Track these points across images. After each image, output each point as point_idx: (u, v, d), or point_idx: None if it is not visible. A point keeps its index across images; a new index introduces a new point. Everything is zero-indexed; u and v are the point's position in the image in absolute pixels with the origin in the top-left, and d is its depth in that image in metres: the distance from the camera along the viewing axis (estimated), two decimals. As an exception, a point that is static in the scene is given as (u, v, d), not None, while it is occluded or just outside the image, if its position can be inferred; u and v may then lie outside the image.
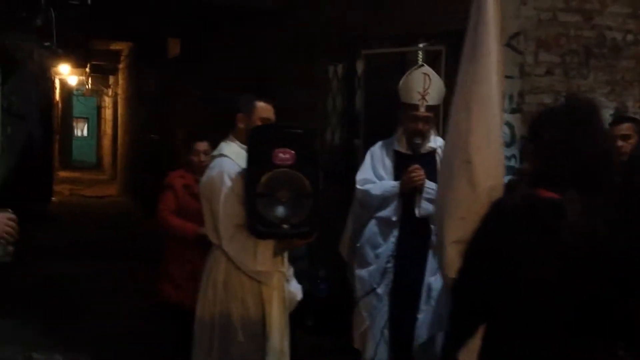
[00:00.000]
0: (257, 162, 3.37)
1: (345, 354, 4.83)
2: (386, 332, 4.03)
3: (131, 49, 15.23)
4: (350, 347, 4.59)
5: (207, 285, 3.59)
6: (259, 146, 3.39)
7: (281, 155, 3.35)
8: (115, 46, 15.56)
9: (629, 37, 4.64)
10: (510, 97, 4.47)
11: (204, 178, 3.63)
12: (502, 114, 2.36)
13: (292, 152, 3.36)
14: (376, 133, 4.91)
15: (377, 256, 4.11)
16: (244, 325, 3.53)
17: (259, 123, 3.57)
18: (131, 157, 15.95)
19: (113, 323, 6.06)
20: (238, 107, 3.67)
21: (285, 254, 3.63)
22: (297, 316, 3.89)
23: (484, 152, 2.29)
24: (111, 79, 20.84)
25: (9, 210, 2.61)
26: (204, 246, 4.49)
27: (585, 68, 4.60)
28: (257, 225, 3.35)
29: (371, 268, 4.11)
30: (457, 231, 2.32)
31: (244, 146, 3.56)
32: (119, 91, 18.30)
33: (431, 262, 4.05)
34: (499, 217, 2.18)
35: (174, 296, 4.68)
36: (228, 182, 3.47)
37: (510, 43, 4.44)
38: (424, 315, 4.01)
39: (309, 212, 3.38)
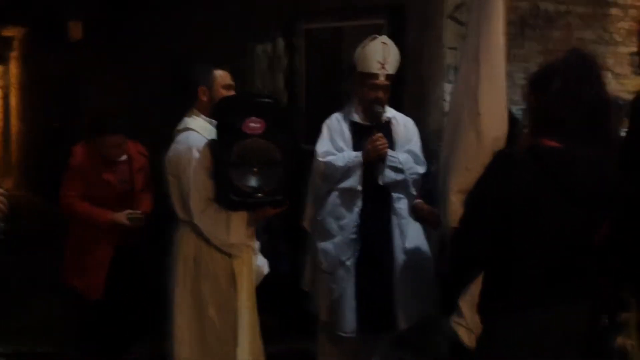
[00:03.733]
0: (228, 132, 3.31)
1: (302, 330, 4.82)
2: (354, 302, 4.03)
3: (25, 35, 14.50)
4: (305, 325, 4.58)
5: (176, 262, 3.50)
6: (229, 116, 3.33)
7: (252, 124, 3.30)
8: (6, 32, 14.74)
9: (561, 8, 4.84)
10: (455, 68, 4.57)
11: (170, 153, 3.50)
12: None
13: (262, 121, 3.33)
14: (317, 110, 4.89)
15: (341, 228, 4.08)
16: (215, 300, 3.47)
17: (222, 92, 3.51)
18: (29, 148, 15.24)
19: (50, 314, 5.78)
20: (198, 80, 3.58)
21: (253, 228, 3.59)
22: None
23: (491, 103, 2.35)
24: (-1, 68, 19.78)
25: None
26: (119, 232, 4.16)
27: (521, 38, 4.77)
28: (230, 195, 3.28)
29: (336, 240, 4.08)
30: (461, 181, 2.37)
31: (209, 119, 3.50)
32: (12, 80, 17.39)
33: (400, 232, 4.08)
34: (505, 166, 2.24)
35: (79, 285, 4.32)
36: (196, 156, 3.39)
37: (453, 15, 4.54)
38: (404, 289, 4.01)
39: (280, 180, 3.35)
